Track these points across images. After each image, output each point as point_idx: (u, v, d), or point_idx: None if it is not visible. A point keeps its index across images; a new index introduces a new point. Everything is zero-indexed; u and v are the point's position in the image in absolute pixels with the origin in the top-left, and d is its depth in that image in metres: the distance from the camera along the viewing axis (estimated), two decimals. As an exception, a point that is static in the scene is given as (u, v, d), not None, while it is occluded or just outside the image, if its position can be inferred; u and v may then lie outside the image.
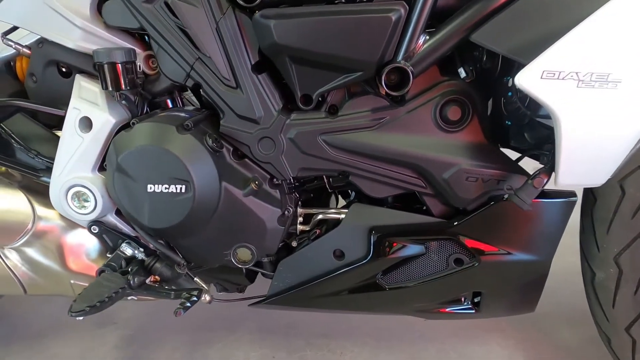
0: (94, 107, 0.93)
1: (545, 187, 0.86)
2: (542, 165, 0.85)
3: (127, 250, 1.01)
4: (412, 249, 0.96)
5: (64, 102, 0.96)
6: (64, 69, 1.01)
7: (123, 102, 0.93)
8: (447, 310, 1.04)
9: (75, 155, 0.94)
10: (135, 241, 1.03)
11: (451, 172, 0.89)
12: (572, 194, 0.92)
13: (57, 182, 0.97)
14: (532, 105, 0.86)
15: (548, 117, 0.79)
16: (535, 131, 0.91)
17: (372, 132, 0.91)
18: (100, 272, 0.97)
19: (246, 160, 0.94)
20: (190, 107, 1.04)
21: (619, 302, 0.95)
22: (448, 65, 0.90)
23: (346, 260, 1.00)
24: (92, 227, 1.00)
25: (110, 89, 0.89)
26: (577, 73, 0.72)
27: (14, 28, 1.04)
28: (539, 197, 0.88)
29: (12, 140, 1.02)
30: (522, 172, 0.90)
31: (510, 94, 0.91)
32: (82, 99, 0.94)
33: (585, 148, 0.76)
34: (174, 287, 1.03)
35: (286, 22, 0.82)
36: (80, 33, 0.92)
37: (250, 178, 0.93)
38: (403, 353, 1.30)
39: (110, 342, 1.38)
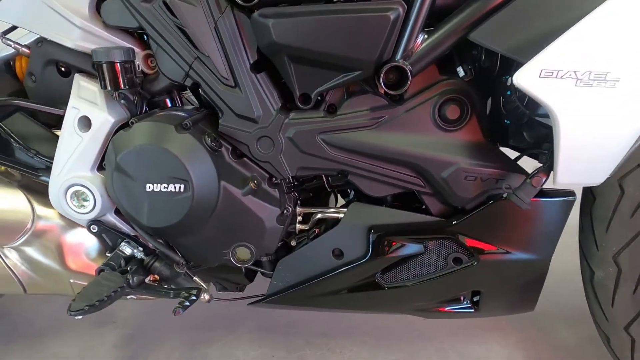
0: (93, 106, 0.93)
1: (545, 186, 0.86)
2: (540, 165, 0.85)
3: (126, 249, 1.01)
4: (411, 248, 0.96)
5: (63, 102, 0.96)
6: (63, 69, 1.01)
7: (122, 101, 0.93)
8: (446, 309, 1.05)
9: (75, 154, 0.95)
10: (134, 240, 1.03)
11: (450, 171, 0.89)
12: (571, 193, 0.92)
13: (56, 181, 0.97)
14: (531, 104, 0.86)
15: (547, 116, 0.79)
16: (534, 130, 0.91)
17: (370, 131, 0.91)
18: (100, 271, 0.97)
19: (245, 159, 0.94)
20: (190, 107, 1.04)
21: (618, 301, 0.95)
22: (447, 64, 0.90)
23: (345, 260, 1.00)
24: (91, 227, 1.00)
25: (109, 88, 0.89)
26: (575, 72, 0.72)
27: (13, 27, 1.04)
28: (538, 196, 0.88)
29: (12, 140, 1.02)
30: (521, 171, 0.90)
31: (509, 92, 0.91)
32: (81, 98, 0.94)
33: (583, 147, 0.76)
34: (173, 286, 1.03)
35: (284, 21, 0.82)
36: (79, 32, 0.92)
37: (249, 177, 0.93)
38: (402, 352, 1.30)
39: (110, 341, 1.38)
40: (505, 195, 0.89)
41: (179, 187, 0.87)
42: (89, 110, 0.93)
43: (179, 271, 1.01)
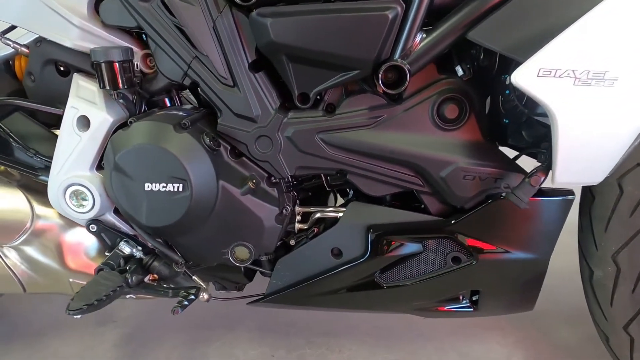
0: (91, 106, 0.93)
1: (544, 186, 0.86)
2: (539, 164, 0.85)
3: (126, 248, 1.01)
4: (410, 247, 0.96)
5: (62, 101, 0.96)
6: (62, 68, 1.01)
7: (121, 101, 0.93)
8: (445, 308, 1.05)
9: (73, 154, 0.95)
10: (133, 240, 1.03)
11: (448, 170, 0.89)
12: (570, 192, 0.92)
13: (55, 180, 0.97)
14: (530, 103, 0.85)
15: (545, 115, 0.79)
16: (533, 129, 0.91)
17: (369, 130, 0.91)
18: (99, 270, 0.97)
19: (244, 158, 0.94)
20: (189, 106, 1.04)
21: (617, 301, 0.95)
22: (445, 63, 0.90)
23: (344, 259, 1.00)
24: (90, 226, 1.00)
25: (107, 87, 0.89)
26: (573, 71, 0.72)
27: (12, 27, 1.04)
28: (537, 195, 0.88)
29: (11, 139, 1.02)
30: (520, 170, 0.90)
31: (507, 92, 0.91)
32: (80, 97, 0.94)
33: (582, 146, 0.76)
34: (172, 286, 1.03)
35: (283, 21, 0.82)
36: (77, 32, 0.92)
37: (248, 177, 0.93)
38: (402, 351, 1.30)
39: (110, 341, 1.38)
40: (504, 194, 0.89)
41: (178, 187, 0.87)
42: (87, 109, 0.93)
43: (178, 270, 1.01)
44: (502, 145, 1.00)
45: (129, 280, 0.94)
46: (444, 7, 0.81)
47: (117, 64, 0.87)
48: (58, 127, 0.97)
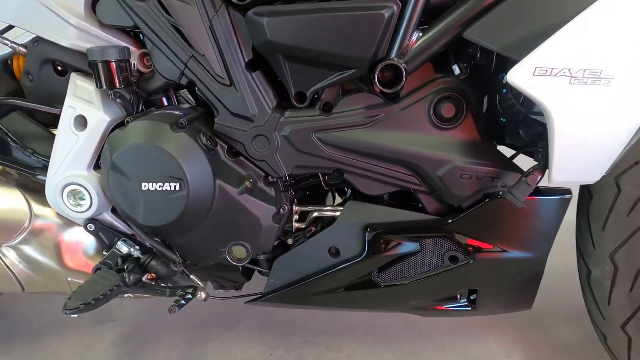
0: (88, 105, 0.93)
1: (542, 185, 0.85)
2: (536, 163, 0.84)
3: (123, 248, 1.01)
4: (407, 246, 0.96)
5: (59, 101, 0.96)
6: (59, 68, 1.01)
7: (118, 100, 0.93)
8: (443, 307, 1.04)
9: (71, 153, 0.95)
10: (131, 239, 1.03)
11: (445, 169, 0.89)
12: (567, 191, 0.92)
13: (53, 180, 0.97)
14: (527, 102, 0.85)
15: (542, 114, 0.78)
16: (530, 128, 0.91)
17: (366, 129, 0.91)
18: (96, 269, 0.97)
19: (241, 158, 0.95)
20: (186, 105, 1.04)
21: (614, 300, 0.95)
22: (442, 62, 0.90)
23: (341, 258, 1.00)
24: (88, 225, 1.01)
25: (104, 87, 0.89)
26: (569, 69, 0.71)
27: (10, 26, 1.04)
28: (534, 194, 0.88)
29: (9, 139, 1.02)
30: (517, 169, 0.90)
31: (504, 90, 0.91)
32: (77, 97, 0.94)
33: (578, 145, 0.76)
34: (169, 285, 1.03)
35: (279, 20, 0.82)
36: (74, 31, 0.92)
37: (245, 176, 0.93)
38: (400, 351, 1.30)
39: (109, 340, 1.39)
40: (501, 193, 0.89)
41: (175, 186, 0.87)
42: (85, 109, 0.93)
43: (175, 270, 1.01)
44: (500, 144, 1.00)
45: (127, 280, 0.94)
46: (440, 6, 0.81)
47: (114, 63, 0.87)
48: (56, 127, 0.97)
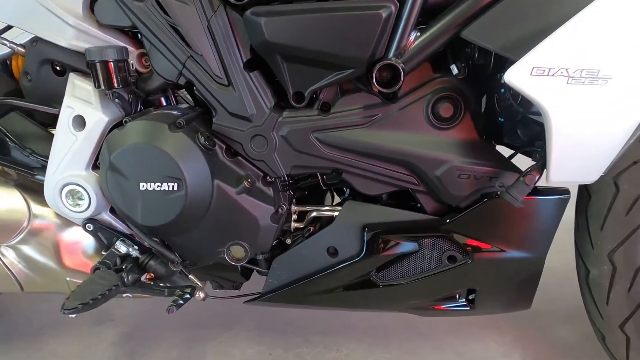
0: (87, 105, 0.93)
1: (541, 185, 0.85)
2: (534, 162, 0.84)
3: (122, 247, 1.01)
4: (405, 246, 0.96)
5: (58, 101, 0.96)
6: (58, 68, 1.01)
7: (116, 100, 0.93)
8: (442, 307, 1.04)
9: (69, 153, 0.95)
10: (130, 239, 1.03)
11: (443, 169, 0.89)
12: (566, 190, 0.92)
13: (51, 180, 0.97)
14: (525, 102, 0.85)
15: (540, 113, 0.78)
16: (528, 128, 0.91)
17: (364, 129, 0.91)
18: (95, 269, 0.97)
19: (239, 158, 0.95)
20: (184, 105, 1.04)
21: (612, 299, 0.95)
22: (440, 62, 0.90)
23: (340, 258, 1.00)
24: (86, 225, 1.01)
25: (102, 87, 0.89)
26: (567, 69, 0.71)
27: (9, 27, 1.04)
28: (532, 194, 0.88)
29: (7, 139, 1.02)
30: (515, 169, 0.90)
31: (503, 90, 0.91)
32: (76, 97, 0.94)
33: (576, 145, 0.76)
34: (168, 285, 1.03)
35: (277, 20, 0.82)
36: (73, 32, 0.92)
37: (243, 176, 0.93)
38: (399, 350, 1.30)
39: (108, 339, 1.39)
40: (499, 193, 0.89)
41: (173, 186, 0.88)
42: (83, 109, 0.93)
43: (174, 269, 1.01)
44: (498, 143, 1.00)
45: (125, 280, 0.94)
46: (438, 6, 0.81)
47: (112, 63, 0.87)
48: (55, 127, 0.98)
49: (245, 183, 0.91)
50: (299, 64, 0.86)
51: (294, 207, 1.04)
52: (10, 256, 1.07)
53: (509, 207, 0.87)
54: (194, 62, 0.89)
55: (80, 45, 0.92)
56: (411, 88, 0.89)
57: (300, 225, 1.04)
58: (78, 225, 1.03)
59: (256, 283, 1.12)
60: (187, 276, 1.05)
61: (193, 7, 0.87)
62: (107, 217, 1.01)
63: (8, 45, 1.01)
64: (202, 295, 1.03)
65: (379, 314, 1.41)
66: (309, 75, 0.87)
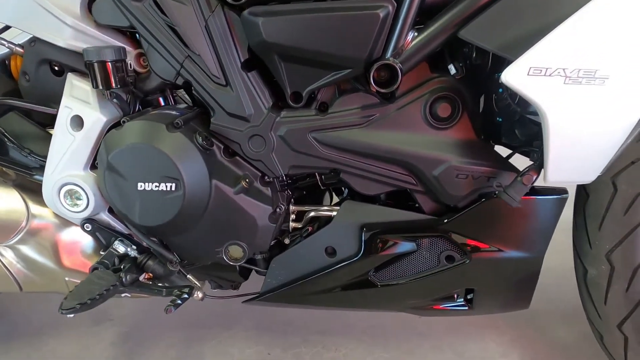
0: (85, 105, 0.93)
1: (539, 184, 0.85)
2: (532, 162, 0.84)
3: (120, 247, 1.01)
4: (404, 246, 0.96)
5: (56, 101, 0.96)
6: (56, 68, 1.01)
7: (114, 100, 0.93)
8: (440, 307, 1.04)
9: (67, 153, 0.95)
10: (128, 239, 1.03)
11: (441, 169, 0.89)
12: (564, 190, 0.92)
13: (50, 180, 0.97)
14: (522, 102, 0.85)
15: (537, 113, 0.78)
16: (526, 128, 0.91)
17: (362, 129, 0.91)
18: (93, 269, 0.97)
19: (237, 158, 0.94)
20: (182, 105, 1.04)
21: (610, 299, 0.95)
22: (438, 62, 0.90)
23: (338, 258, 1.00)
24: (85, 225, 1.01)
25: (100, 87, 0.89)
26: (564, 69, 0.71)
27: (7, 27, 1.04)
28: (530, 193, 0.88)
29: (6, 139, 1.03)
30: (512, 169, 0.90)
31: (500, 90, 0.91)
32: (74, 97, 0.94)
33: (573, 145, 0.76)
34: (166, 285, 1.03)
35: (274, 20, 0.82)
36: (70, 32, 0.92)
37: (241, 176, 0.93)
38: (398, 350, 1.30)
39: (107, 339, 1.39)
40: (496, 193, 0.89)
41: (171, 186, 0.88)
42: (81, 109, 0.93)
43: (172, 269, 1.01)
44: (496, 143, 1.00)
45: (123, 279, 0.94)
46: (435, 6, 0.81)
47: (109, 63, 0.87)
48: (53, 127, 0.98)
49: (243, 183, 0.91)
50: (296, 64, 0.86)
51: (292, 207, 1.04)
52: (9, 256, 1.07)
53: (507, 207, 0.87)
54: (191, 62, 0.89)
55: (78, 45, 0.92)
56: (409, 88, 0.89)
57: (299, 225, 1.05)
58: (76, 225, 1.03)
59: (255, 283, 1.12)
60: (186, 276, 1.05)
61: (190, 7, 0.87)
62: (105, 217, 1.01)
63: (6, 45, 1.01)
64: (200, 295, 1.03)
65: (378, 313, 1.42)
66: (307, 75, 0.87)
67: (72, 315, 0.87)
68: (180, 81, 0.92)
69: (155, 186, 0.88)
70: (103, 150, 0.90)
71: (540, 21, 0.73)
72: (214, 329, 1.41)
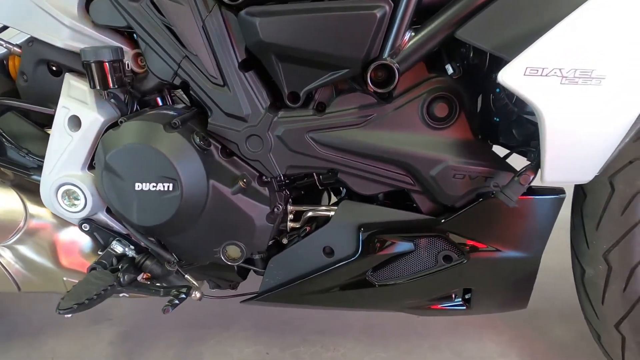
0: (82, 105, 0.93)
1: (537, 184, 0.85)
2: (529, 162, 0.84)
3: (118, 247, 1.01)
4: (401, 246, 0.96)
5: (54, 101, 0.97)
6: (54, 68, 1.01)
7: (112, 100, 0.93)
8: (438, 306, 1.04)
9: (65, 153, 0.95)
10: (126, 239, 1.03)
11: (438, 169, 0.89)
12: (561, 190, 0.92)
13: (47, 180, 0.97)
14: (519, 102, 0.85)
15: (535, 113, 0.78)
16: (523, 128, 0.91)
17: (359, 129, 0.90)
18: (91, 269, 0.97)
19: (234, 158, 0.95)
20: (180, 105, 1.04)
21: (608, 299, 0.95)
22: (435, 62, 0.90)
23: (336, 257, 1.00)
24: (83, 225, 1.01)
25: (98, 87, 0.89)
26: (560, 69, 0.71)
27: (5, 27, 1.04)
28: (527, 193, 0.88)
29: (3, 139, 1.03)
30: (509, 169, 0.90)
31: (498, 90, 0.91)
32: (71, 97, 0.94)
33: (570, 145, 0.76)
34: (164, 285, 1.04)
35: (272, 20, 0.82)
36: (68, 32, 0.92)
37: (239, 176, 0.93)
38: (396, 350, 1.30)
39: (106, 339, 1.39)
40: (494, 193, 0.89)
41: (168, 186, 0.88)
42: (78, 109, 0.93)
43: (170, 269, 1.01)
44: (494, 143, 1.00)
45: (121, 279, 0.94)
46: (432, 6, 0.81)
47: (107, 63, 0.87)
48: (51, 127, 0.98)
49: (241, 183, 0.91)
50: (294, 64, 0.86)
51: (290, 207, 1.04)
52: (7, 256, 1.07)
53: (504, 207, 0.87)
54: (189, 62, 0.89)
55: (76, 45, 0.92)
56: (406, 88, 0.89)
57: (297, 225, 1.05)
58: (74, 225, 1.03)
59: (254, 282, 1.12)
60: (184, 276, 1.05)
61: (188, 7, 0.87)
62: (103, 217, 1.01)
63: (4, 45, 1.01)
64: (198, 295, 1.03)
65: (376, 313, 1.42)
66: (304, 75, 0.87)
67: (69, 315, 0.87)
68: (177, 81, 0.92)
69: (153, 186, 0.88)
70: (100, 150, 0.90)
71: (536, 21, 0.73)
72: (212, 328, 1.41)
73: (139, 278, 1.02)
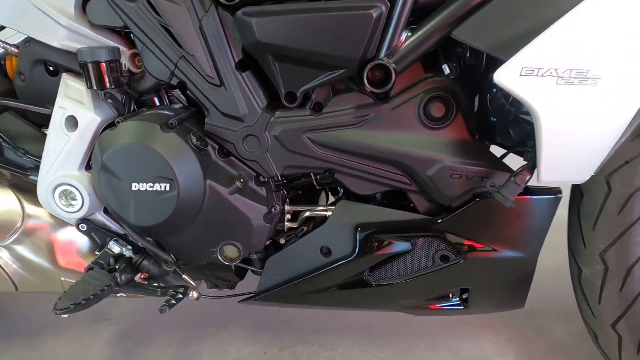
0: (79, 105, 0.93)
1: (533, 184, 0.85)
2: (525, 162, 0.84)
3: (115, 247, 1.01)
4: (398, 245, 0.96)
5: (51, 101, 0.97)
6: (51, 68, 1.01)
7: (109, 100, 0.93)
8: (435, 306, 1.05)
9: (62, 154, 0.95)
10: (123, 239, 1.04)
11: (435, 169, 0.89)
12: (558, 190, 0.92)
13: (45, 180, 0.97)
14: (516, 102, 0.85)
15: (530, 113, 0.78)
16: (519, 128, 0.90)
17: (356, 129, 0.90)
18: (88, 269, 0.97)
19: (231, 158, 0.95)
20: (177, 105, 1.04)
21: (605, 299, 0.95)
22: (432, 62, 0.89)
23: (333, 257, 1.00)
24: (80, 225, 1.01)
25: (94, 87, 0.89)
26: (556, 70, 0.71)
27: (2, 27, 1.04)
28: (524, 193, 0.88)
29: (0, 139, 1.03)
30: (506, 168, 0.90)
31: (494, 90, 0.91)
32: (68, 97, 0.94)
33: (566, 145, 0.76)
34: (161, 284, 1.04)
35: (268, 20, 0.82)
36: (65, 32, 0.92)
37: (236, 176, 0.93)
38: (394, 349, 1.30)
39: (104, 339, 1.39)
40: (490, 193, 0.89)
41: (165, 186, 0.88)
42: (75, 109, 0.93)
43: (167, 269, 1.02)
44: (490, 143, 1.00)
45: (118, 279, 0.95)
46: (428, 6, 0.81)
47: (104, 63, 0.87)
48: (48, 127, 0.98)
49: (238, 183, 0.92)
50: (290, 64, 0.86)
51: (287, 207, 1.04)
52: (4, 256, 1.08)
53: (501, 207, 0.87)
54: (185, 62, 0.90)
55: (73, 45, 0.92)
56: (403, 88, 0.89)
57: (294, 225, 1.04)
58: (72, 225, 1.03)
59: (252, 282, 1.12)
60: (181, 276, 1.05)
61: (184, 7, 0.87)
62: (100, 217, 1.02)
63: (1, 45, 1.01)
64: (195, 294, 1.03)
65: (374, 313, 1.42)
66: (301, 76, 0.87)
67: (66, 316, 0.87)
68: (174, 81, 0.92)
69: (150, 186, 0.88)
70: (97, 150, 0.90)
71: (532, 21, 0.73)
72: (211, 328, 1.41)
73: (137, 278, 1.02)
